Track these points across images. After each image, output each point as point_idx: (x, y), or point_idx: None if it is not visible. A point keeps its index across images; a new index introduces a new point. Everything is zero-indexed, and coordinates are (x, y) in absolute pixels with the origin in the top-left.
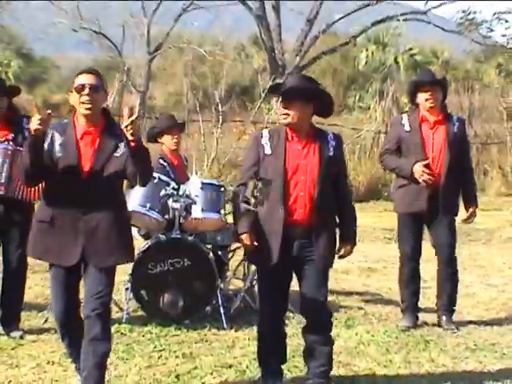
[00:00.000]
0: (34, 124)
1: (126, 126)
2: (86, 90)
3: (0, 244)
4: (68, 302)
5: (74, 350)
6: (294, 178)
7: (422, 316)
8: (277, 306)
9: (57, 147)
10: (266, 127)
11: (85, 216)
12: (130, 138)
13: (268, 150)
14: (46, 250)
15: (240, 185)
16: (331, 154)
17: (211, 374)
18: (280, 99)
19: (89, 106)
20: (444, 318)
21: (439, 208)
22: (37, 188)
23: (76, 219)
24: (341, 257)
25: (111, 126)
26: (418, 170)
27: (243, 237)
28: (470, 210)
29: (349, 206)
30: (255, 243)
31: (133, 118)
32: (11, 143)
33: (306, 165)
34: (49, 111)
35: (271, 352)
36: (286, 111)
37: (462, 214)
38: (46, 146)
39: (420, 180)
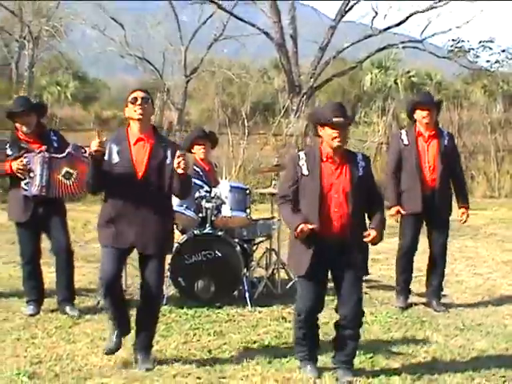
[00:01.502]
0: (94, 146)
1: (178, 162)
2: (139, 101)
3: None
4: (115, 267)
5: (112, 308)
6: (329, 196)
7: (418, 300)
8: (313, 307)
9: (114, 155)
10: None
11: (137, 212)
12: (180, 171)
13: (305, 171)
14: (107, 238)
15: (282, 197)
16: (361, 173)
17: (238, 349)
18: (333, 127)
19: (141, 111)
20: (434, 302)
21: (435, 209)
22: (72, 184)
23: (130, 216)
24: (372, 244)
25: (159, 137)
26: (392, 212)
27: (300, 227)
28: (463, 209)
29: (379, 204)
30: (314, 226)
31: (182, 154)
32: (46, 153)
33: (338, 184)
34: (104, 138)
35: (306, 342)
36: (339, 137)
37: (455, 214)
38: (106, 157)
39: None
